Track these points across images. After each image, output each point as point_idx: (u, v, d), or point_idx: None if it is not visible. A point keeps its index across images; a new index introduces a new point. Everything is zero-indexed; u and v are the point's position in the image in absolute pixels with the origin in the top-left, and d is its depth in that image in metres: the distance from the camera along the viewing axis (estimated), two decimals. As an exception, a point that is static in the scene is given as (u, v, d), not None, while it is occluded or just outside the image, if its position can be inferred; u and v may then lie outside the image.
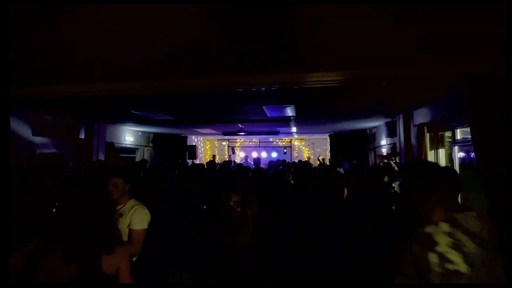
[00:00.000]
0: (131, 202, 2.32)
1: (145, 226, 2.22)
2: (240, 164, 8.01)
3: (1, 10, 1.55)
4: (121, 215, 2.25)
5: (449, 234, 1.14)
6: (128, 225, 2.21)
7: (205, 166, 5.88)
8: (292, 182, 4.54)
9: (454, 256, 1.10)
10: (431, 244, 1.10)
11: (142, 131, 9.08)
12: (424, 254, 1.11)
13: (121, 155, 8.18)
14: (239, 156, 13.27)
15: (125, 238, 2.20)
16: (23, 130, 5.18)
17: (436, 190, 1.45)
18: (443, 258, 1.09)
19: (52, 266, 1.40)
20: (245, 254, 2.94)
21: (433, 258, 1.10)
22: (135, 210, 2.25)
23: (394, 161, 5.42)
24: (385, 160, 5.86)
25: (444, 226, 1.16)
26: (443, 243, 1.12)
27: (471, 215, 1.70)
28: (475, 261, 1.09)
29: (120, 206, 2.29)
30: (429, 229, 1.15)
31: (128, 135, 8.43)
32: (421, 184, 1.34)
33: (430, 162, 1.58)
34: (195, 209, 2.59)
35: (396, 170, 4.70)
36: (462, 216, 1.74)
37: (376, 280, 2.36)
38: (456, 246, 1.12)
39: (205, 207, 2.68)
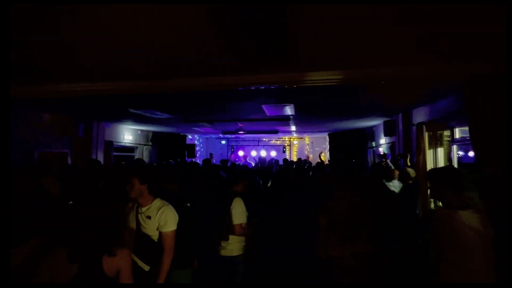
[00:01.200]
0: (157, 202, 2.28)
1: (174, 227, 2.23)
2: (234, 163, 7.96)
3: (1, 10, 1.54)
4: (149, 217, 2.21)
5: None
6: (158, 227, 2.20)
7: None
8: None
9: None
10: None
11: (141, 130, 9.07)
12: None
13: (120, 153, 8.18)
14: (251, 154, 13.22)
15: (156, 239, 2.21)
16: (22, 128, 5.17)
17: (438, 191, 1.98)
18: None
19: (53, 266, 1.40)
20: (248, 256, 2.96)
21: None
22: (162, 212, 2.22)
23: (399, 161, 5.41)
24: (383, 160, 5.87)
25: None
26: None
27: (471, 213, 1.82)
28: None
29: (146, 208, 2.26)
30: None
31: (127, 134, 8.42)
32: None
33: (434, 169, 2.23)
34: (177, 208, 2.58)
35: (393, 169, 4.70)
36: (465, 213, 1.79)
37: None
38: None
39: (188, 204, 2.66)
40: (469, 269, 1.73)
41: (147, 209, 2.26)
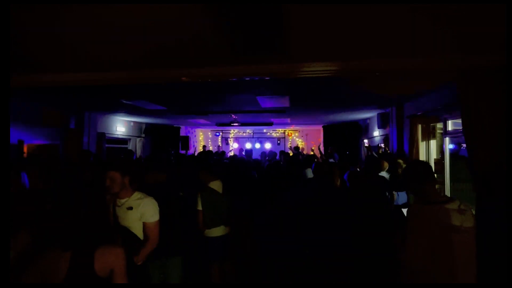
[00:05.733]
0: (137, 194, 2.27)
1: (158, 217, 2.25)
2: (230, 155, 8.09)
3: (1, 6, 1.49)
4: (130, 208, 2.19)
5: None
6: (140, 218, 2.20)
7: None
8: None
9: None
10: None
11: (134, 122, 8.95)
12: None
13: (112, 145, 8.08)
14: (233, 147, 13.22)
15: (136, 231, 2.20)
16: (11, 119, 5.05)
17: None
18: None
19: (42, 268, 1.35)
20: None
21: None
22: (145, 203, 2.22)
23: (380, 151, 5.44)
24: (369, 152, 5.91)
25: None
26: None
27: (451, 209, 1.72)
28: None
29: (125, 200, 2.24)
30: None
31: (120, 126, 8.30)
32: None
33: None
34: (167, 198, 2.56)
35: (381, 161, 4.70)
36: (443, 208, 1.72)
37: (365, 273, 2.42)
38: None
39: (181, 194, 2.70)
40: (435, 264, 1.70)
41: (126, 201, 2.23)
